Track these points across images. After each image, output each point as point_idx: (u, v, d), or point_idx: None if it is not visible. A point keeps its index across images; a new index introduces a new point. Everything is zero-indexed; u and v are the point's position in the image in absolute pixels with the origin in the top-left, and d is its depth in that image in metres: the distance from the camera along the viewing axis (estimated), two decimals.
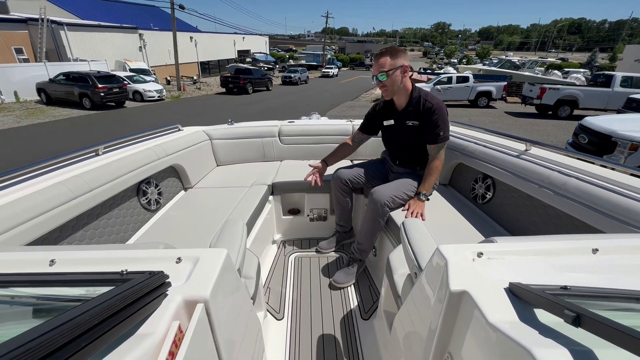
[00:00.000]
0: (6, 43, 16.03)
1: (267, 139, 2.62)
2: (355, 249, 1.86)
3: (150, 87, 15.40)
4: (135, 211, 1.72)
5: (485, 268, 0.68)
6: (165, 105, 14.70)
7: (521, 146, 1.72)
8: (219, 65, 30.88)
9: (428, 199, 1.77)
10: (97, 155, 1.62)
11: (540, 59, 41.20)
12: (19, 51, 16.65)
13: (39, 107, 12.67)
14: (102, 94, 12.44)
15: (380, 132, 1.97)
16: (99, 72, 13.50)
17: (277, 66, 36.11)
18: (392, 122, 1.83)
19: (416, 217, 1.63)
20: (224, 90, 19.08)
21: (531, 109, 12.83)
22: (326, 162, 2.01)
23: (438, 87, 14.35)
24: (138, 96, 15.06)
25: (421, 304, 0.81)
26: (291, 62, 45.86)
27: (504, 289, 0.61)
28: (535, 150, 1.66)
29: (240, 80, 18.41)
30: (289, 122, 2.72)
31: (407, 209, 1.68)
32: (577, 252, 0.72)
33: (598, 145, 4.91)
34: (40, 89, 13.40)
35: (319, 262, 2.05)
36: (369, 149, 2.67)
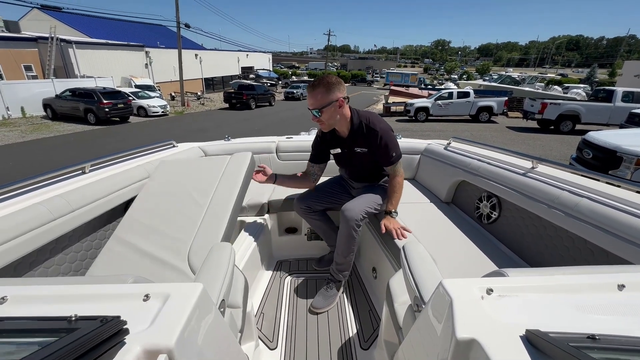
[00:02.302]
0: (16, 61, 16.44)
1: (264, 155, 2.55)
2: (334, 270, 1.75)
3: (154, 103, 15.60)
4: None
5: (497, 309, 0.59)
6: (168, 120, 14.84)
7: (527, 163, 1.64)
8: (223, 81, 31.41)
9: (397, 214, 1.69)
10: (84, 173, 1.56)
11: (540, 74, 41.66)
12: (28, 68, 17.04)
13: (44, 123, 12.83)
14: (106, 110, 12.60)
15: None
16: (104, 88, 13.74)
17: (280, 82, 36.70)
18: (338, 150, 1.76)
19: (402, 235, 1.55)
20: (227, 105, 19.31)
21: (533, 124, 12.81)
22: (276, 176, 1.84)
23: (439, 102, 14.44)
24: (142, 111, 15.24)
25: (425, 343, 0.72)
26: (294, 78, 46.66)
27: (520, 336, 0.52)
28: (542, 168, 1.57)
29: (243, 96, 18.65)
30: (287, 138, 2.66)
31: (387, 232, 1.59)
32: (602, 289, 0.64)
33: (603, 161, 4.82)
34: (46, 105, 13.63)
35: (316, 284, 1.94)
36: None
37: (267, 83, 28.27)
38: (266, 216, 2.09)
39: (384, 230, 1.59)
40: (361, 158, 1.70)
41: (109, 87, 14.53)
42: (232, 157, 1.68)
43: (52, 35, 16.83)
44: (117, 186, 1.55)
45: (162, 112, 15.64)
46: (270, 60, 45.07)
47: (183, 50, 19.96)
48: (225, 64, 32.42)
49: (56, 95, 13.49)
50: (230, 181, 1.54)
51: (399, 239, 1.54)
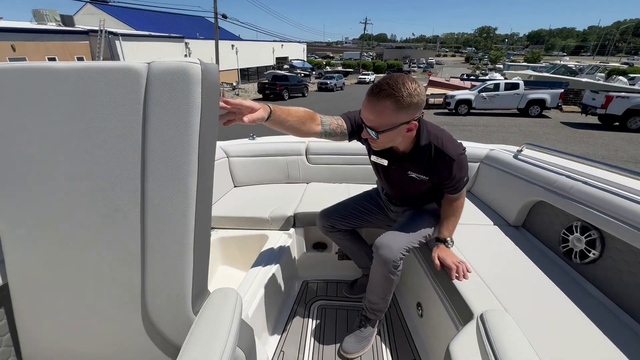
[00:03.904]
0: (70, 53, 17.64)
1: (292, 157, 2.28)
2: (367, 307, 1.44)
3: None
4: None
5: None
6: None
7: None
8: (258, 72, 31.69)
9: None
10: None
11: (601, 63, 37.38)
12: (80, 60, 18.26)
13: None
14: None
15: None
16: None
17: (314, 72, 36.34)
18: (384, 162, 1.30)
19: (464, 275, 1.22)
20: (260, 96, 19.41)
21: (593, 119, 11.45)
22: (271, 110, 1.03)
23: (483, 94, 13.37)
24: None
25: None
26: (327, 68, 46.05)
27: None
28: None
29: (276, 87, 18.65)
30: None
31: (440, 268, 1.27)
32: None
33: None
34: None
35: (348, 316, 1.65)
36: (360, 173, 2.26)
37: (300, 73, 28.10)
38: (291, 230, 1.83)
39: (438, 266, 1.27)
40: (413, 183, 1.29)
41: None
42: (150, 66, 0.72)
43: (101, 28, 17.80)
44: None
45: None
46: (305, 51, 44.78)
47: (220, 41, 20.29)
48: (260, 54, 32.66)
49: None
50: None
51: (459, 279, 1.22)
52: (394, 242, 1.23)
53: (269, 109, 1.02)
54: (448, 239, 1.33)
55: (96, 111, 0.72)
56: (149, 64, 0.71)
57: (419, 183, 1.27)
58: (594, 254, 1.27)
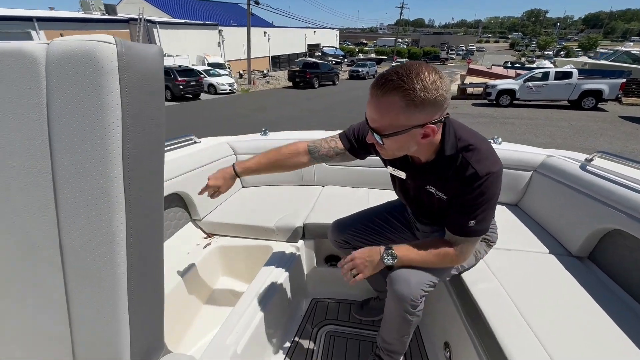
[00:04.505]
0: None
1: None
2: (381, 347, 1.17)
3: (223, 81, 16.22)
4: None
5: None
6: (235, 98, 15.33)
7: None
8: (289, 59, 31.50)
9: (391, 266, 0.98)
10: None
11: None
12: None
13: None
14: (181, 87, 13.48)
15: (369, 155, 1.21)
16: (180, 66, 14.67)
17: (346, 60, 35.51)
18: (402, 175, 1.06)
19: (352, 280, 0.99)
20: (290, 84, 19.28)
21: None
22: (236, 171, 1.17)
23: (529, 83, 12.25)
24: (212, 89, 15.99)
25: None
26: (360, 55, 44.78)
27: None
28: None
29: (307, 75, 18.42)
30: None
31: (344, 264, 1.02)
32: None
33: None
34: None
35: (360, 349, 1.40)
36: (384, 176, 1.86)
37: (332, 61, 27.54)
38: (300, 242, 1.61)
39: (342, 265, 1.01)
40: (431, 199, 1.02)
41: (184, 65, 15.47)
42: None
43: (141, 16, 18.42)
44: None
45: (230, 90, 16.21)
46: (337, 37, 43.79)
47: (252, 28, 20.26)
48: (292, 41, 32.38)
49: None
50: None
51: (344, 277, 0.99)
52: (413, 276, 0.97)
53: (234, 172, 1.17)
54: (392, 251, 0.98)
55: None
56: (48, 44, 0.50)
57: (437, 201, 0.99)
58: None
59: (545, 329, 0.95)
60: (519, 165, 1.70)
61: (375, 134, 0.85)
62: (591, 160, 1.45)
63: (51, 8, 21.01)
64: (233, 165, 1.18)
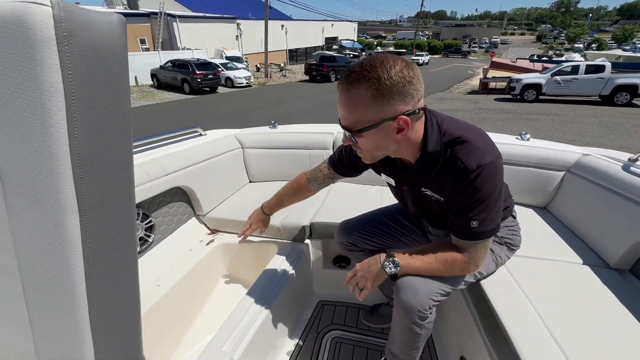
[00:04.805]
0: (134, 35, 18.88)
1: (316, 150, 1.91)
2: None
3: (240, 74, 16.28)
4: None
5: None
6: (251, 91, 15.38)
7: None
8: (306, 52, 31.31)
9: (394, 276, 0.91)
10: None
11: None
12: (142, 41, 19.49)
13: (150, 91, 14.59)
14: (199, 80, 13.62)
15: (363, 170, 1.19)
16: (198, 59, 14.83)
17: (364, 53, 34.98)
18: (392, 181, 1.01)
19: (359, 295, 0.96)
20: (307, 78, 19.14)
21: None
22: (265, 212, 1.35)
23: (557, 77, 11.62)
24: (229, 82, 16.08)
25: None
26: (379, 49, 43.97)
27: None
28: None
29: (323, 68, 18.21)
30: None
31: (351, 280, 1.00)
32: None
33: None
34: (153, 75, 15.40)
35: (368, 355, 1.33)
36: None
37: (349, 54, 27.14)
38: (307, 242, 1.54)
39: (346, 282, 1.00)
40: (429, 203, 0.94)
41: (202, 59, 15.62)
42: None
43: (161, 10, 18.71)
44: None
45: (247, 83, 16.26)
46: (356, 30, 43.12)
47: (270, 22, 20.20)
48: (309, 34, 32.14)
49: (160, 66, 15.09)
50: None
51: (355, 294, 0.97)
52: (422, 283, 0.88)
53: (263, 213, 1.36)
54: (394, 258, 0.90)
55: None
56: None
57: (436, 203, 0.91)
58: None
59: (577, 351, 0.84)
60: (550, 165, 1.56)
61: (347, 132, 0.80)
62: (636, 160, 1.29)
63: (77, 3, 21.69)
64: (262, 207, 1.37)
